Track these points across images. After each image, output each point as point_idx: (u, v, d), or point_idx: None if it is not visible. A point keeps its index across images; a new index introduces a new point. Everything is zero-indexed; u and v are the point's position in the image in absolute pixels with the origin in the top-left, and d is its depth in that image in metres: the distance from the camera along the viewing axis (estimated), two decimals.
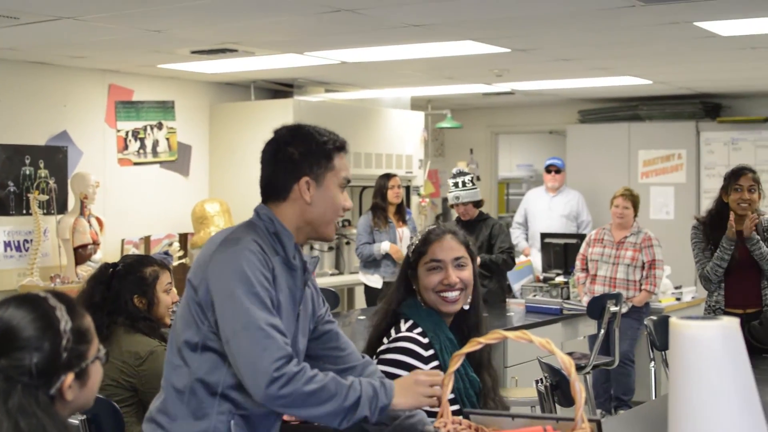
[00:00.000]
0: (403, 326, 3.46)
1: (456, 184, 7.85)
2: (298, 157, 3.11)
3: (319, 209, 3.08)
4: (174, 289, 4.58)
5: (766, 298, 6.21)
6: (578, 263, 8.27)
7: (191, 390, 2.93)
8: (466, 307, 3.49)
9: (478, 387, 3.44)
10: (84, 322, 2.18)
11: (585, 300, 7.77)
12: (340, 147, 3.16)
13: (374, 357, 3.44)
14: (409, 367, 3.32)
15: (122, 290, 4.40)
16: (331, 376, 2.87)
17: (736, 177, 6.28)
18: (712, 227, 6.31)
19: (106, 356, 2.25)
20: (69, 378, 2.09)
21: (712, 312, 6.30)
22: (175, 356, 2.98)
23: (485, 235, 7.78)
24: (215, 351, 2.90)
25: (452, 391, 3.36)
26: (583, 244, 8.36)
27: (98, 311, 4.30)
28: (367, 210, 9.07)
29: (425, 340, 3.39)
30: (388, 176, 8.96)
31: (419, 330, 3.42)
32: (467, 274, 3.45)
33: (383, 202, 8.88)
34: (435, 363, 3.36)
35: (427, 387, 2.98)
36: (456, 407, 3.36)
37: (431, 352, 3.38)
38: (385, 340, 3.49)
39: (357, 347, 6.39)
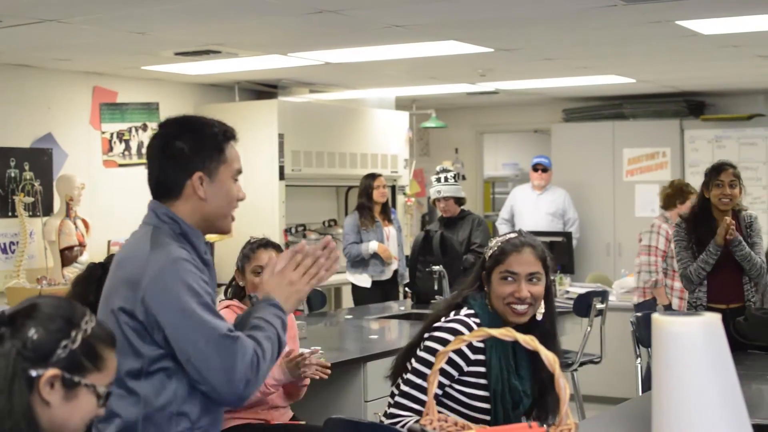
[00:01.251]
0: (463, 312, 3.51)
1: (438, 179, 7.91)
2: (188, 151, 2.97)
3: (215, 204, 2.99)
4: None
5: (748, 294, 6.24)
6: (659, 261, 7.97)
7: (145, 417, 2.82)
8: (539, 317, 3.52)
9: (520, 396, 3.46)
10: (103, 350, 2.21)
11: (684, 305, 7.21)
12: (231, 136, 3.07)
13: (427, 332, 3.50)
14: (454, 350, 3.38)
15: None
16: (259, 336, 2.80)
17: (717, 172, 6.32)
18: (695, 224, 6.35)
19: (106, 397, 2.22)
20: (53, 372, 2.10)
21: (694, 308, 6.33)
22: (116, 386, 2.76)
23: (466, 231, 7.83)
24: (161, 370, 2.82)
25: (489, 390, 3.41)
26: (660, 240, 7.99)
27: (92, 310, 4.37)
28: (352, 210, 9.08)
29: (478, 344, 3.43)
30: (373, 176, 8.97)
31: (477, 321, 3.47)
32: (539, 289, 3.47)
33: (369, 201, 8.88)
34: (481, 356, 3.43)
35: (300, 277, 2.92)
36: (486, 405, 3.42)
37: (481, 345, 3.43)
38: (442, 320, 3.54)
39: (346, 347, 6.42)
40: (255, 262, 4.69)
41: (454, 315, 3.51)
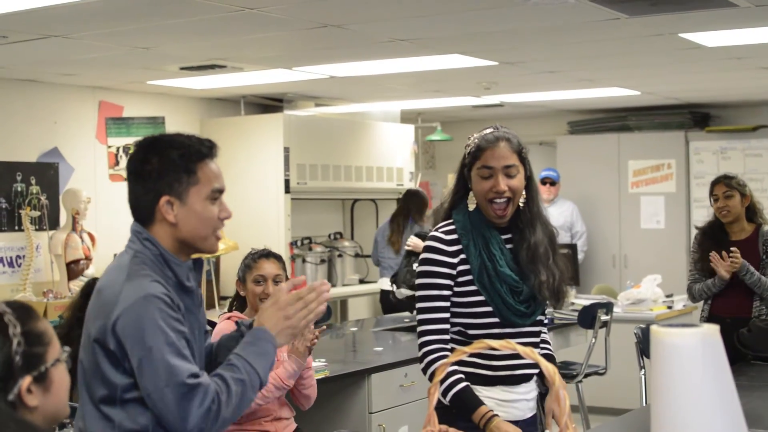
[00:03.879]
0: (440, 224, 3.61)
1: None
2: (155, 174, 2.87)
3: (188, 228, 2.87)
4: None
5: (755, 310, 6.22)
6: None
7: None
8: (521, 205, 3.57)
9: (514, 282, 3.50)
10: (38, 325, 2.16)
11: None
12: (204, 155, 2.90)
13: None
14: (432, 262, 3.50)
15: None
16: (228, 378, 2.77)
17: (711, 187, 6.44)
18: (708, 237, 6.39)
19: (71, 358, 2.23)
20: (26, 381, 2.08)
21: (704, 321, 6.37)
22: (93, 408, 2.82)
23: None
24: (137, 399, 2.76)
25: (475, 284, 3.48)
26: None
27: (79, 323, 4.41)
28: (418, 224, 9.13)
29: (450, 237, 3.52)
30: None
31: (449, 228, 3.55)
32: (516, 182, 3.50)
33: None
34: (462, 256, 3.50)
35: (297, 312, 2.88)
36: (488, 308, 3.48)
37: (457, 247, 3.50)
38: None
39: (351, 359, 6.44)
40: (257, 271, 4.72)
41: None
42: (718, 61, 7.77)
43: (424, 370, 3.52)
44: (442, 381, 3.42)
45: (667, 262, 10.69)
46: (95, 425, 2.81)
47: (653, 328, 2.30)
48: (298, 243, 9.92)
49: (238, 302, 4.90)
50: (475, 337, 3.39)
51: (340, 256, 10.36)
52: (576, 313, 7.41)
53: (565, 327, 7.53)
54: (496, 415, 3.33)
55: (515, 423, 3.47)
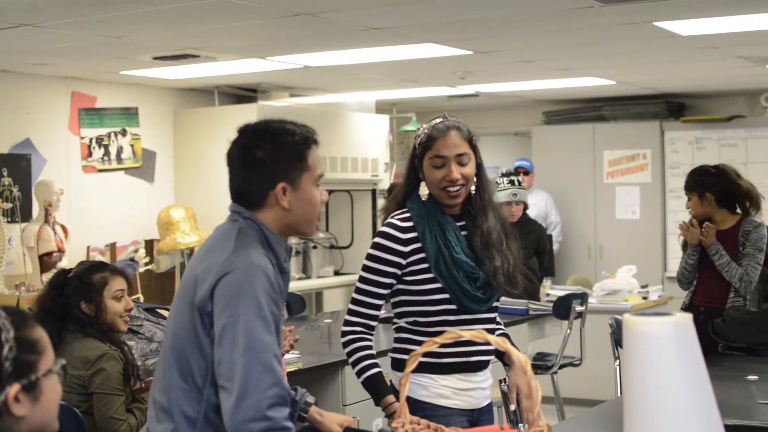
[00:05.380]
0: (394, 213, 3.64)
1: (512, 182, 7.50)
2: (270, 161, 2.94)
3: (299, 212, 2.95)
4: (126, 297, 4.58)
5: (730, 301, 6.20)
6: None
7: (205, 417, 2.78)
8: (473, 192, 3.62)
9: (471, 269, 3.53)
10: (32, 333, 2.10)
11: None
12: (313, 141, 3.02)
13: None
14: (381, 248, 3.53)
15: (71, 296, 4.44)
16: None
17: None
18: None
19: (63, 370, 2.15)
20: (14, 389, 2.02)
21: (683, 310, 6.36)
22: (181, 380, 2.80)
23: (534, 237, 7.67)
24: None
25: (431, 271, 3.51)
26: None
27: (50, 317, 4.36)
28: None
29: (406, 224, 3.56)
30: None
31: (405, 215, 3.59)
32: (468, 170, 3.56)
33: None
34: (416, 245, 3.53)
35: None
36: (445, 295, 3.50)
37: (412, 234, 3.54)
38: None
39: (325, 351, 6.41)
40: None
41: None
42: (693, 50, 7.77)
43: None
44: (358, 361, 3.53)
45: (643, 253, 10.71)
46: (180, 398, 2.80)
47: (626, 316, 2.28)
48: None
49: None
50: (428, 325, 3.45)
51: (314, 247, 10.32)
52: (551, 304, 7.39)
53: (539, 318, 7.51)
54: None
55: (471, 411, 3.51)
